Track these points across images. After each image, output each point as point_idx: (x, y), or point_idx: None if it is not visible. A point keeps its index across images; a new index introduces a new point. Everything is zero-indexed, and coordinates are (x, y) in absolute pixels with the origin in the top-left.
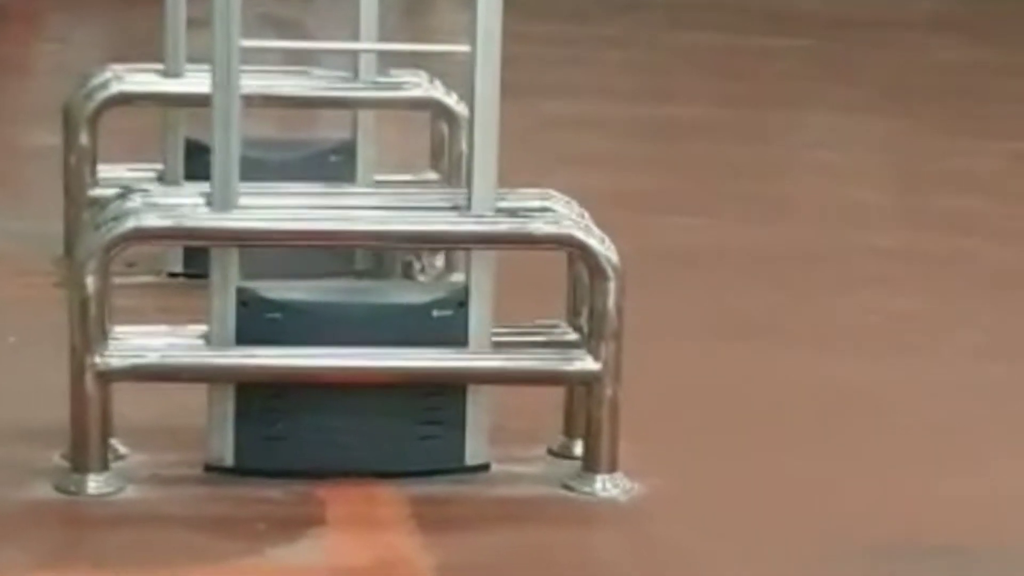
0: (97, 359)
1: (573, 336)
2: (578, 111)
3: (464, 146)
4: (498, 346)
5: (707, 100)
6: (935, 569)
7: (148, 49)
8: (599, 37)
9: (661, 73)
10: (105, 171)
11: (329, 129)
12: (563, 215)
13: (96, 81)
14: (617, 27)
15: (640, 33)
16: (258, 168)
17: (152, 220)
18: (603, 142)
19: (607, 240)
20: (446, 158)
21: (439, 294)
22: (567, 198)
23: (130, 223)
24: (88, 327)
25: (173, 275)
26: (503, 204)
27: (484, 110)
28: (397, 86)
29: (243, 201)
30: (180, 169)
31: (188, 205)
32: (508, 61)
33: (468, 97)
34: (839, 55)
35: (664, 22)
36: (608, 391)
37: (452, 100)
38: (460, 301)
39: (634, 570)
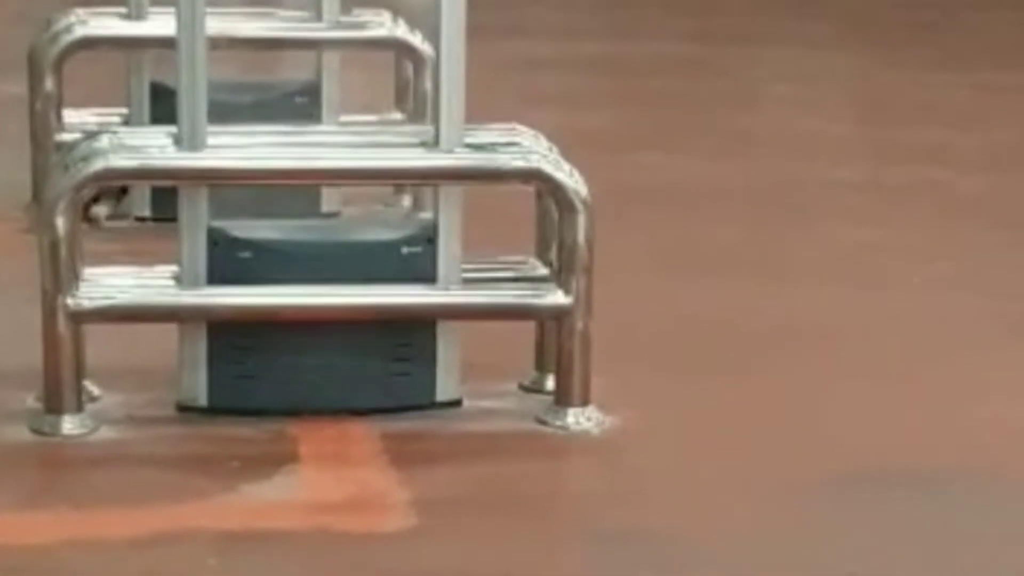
0: (69, 300)
1: (543, 271)
2: (539, 50)
3: (429, 85)
4: (468, 282)
5: (670, 36)
6: (903, 498)
7: None
8: None
9: (623, 9)
10: (71, 116)
11: (293, 70)
12: (531, 149)
13: (59, 26)
14: None
15: None
16: (224, 110)
17: (121, 160)
18: (564, 80)
19: (576, 173)
20: (411, 98)
21: (408, 231)
22: (534, 132)
23: (99, 163)
24: (59, 268)
25: (141, 219)
26: (470, 140)
27: (450, 46)
28: (361, 25)
29: (211, 141)
30: (146, 113)
31: (157, 146)
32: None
33: (432, 35)
34: None
35: None
36: (579, 325)
37: (416, 39)
38: (429, 238)
39: (609, 501)
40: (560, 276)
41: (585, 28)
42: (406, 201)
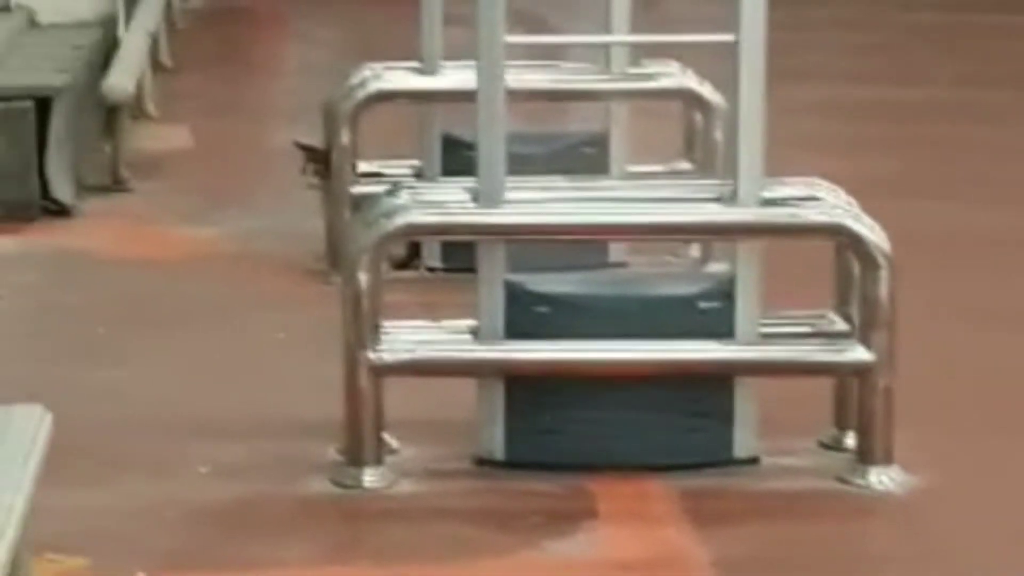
0: (370, 354)
1: (841, 326)
2: (815, 95)
3: (719, 135)
4: (766, 337)
5: (945, 82)
6: None
7: (388, 47)
8: (834, 20)
9: (896, 54)
10: (363, 168)
11: (575, 121)
12: (832, 204)
13: (355, 80)
14: (852, 9)
15: (874, 14)
16: (515, 161)
17: (422, 216)
18: (840, 126)
19: (878, 228)
20: (699, 148)
21: (706, 285)
22: (833, 186)
23: (401, 219)
24: (361, 322)
25: (431, 270)
26: (769, 194)
27: (749, 99)
28: (649, 76)
29: (508, 196)
30: (437, 164)
31: (456, 201)
32: None
33: (729, 86)
34: None
35: (897, 2)
36: (882, 381)
37: (706, 90)
38: (727, 292)
39: (912, 566)
40: (862, 331)
41: (861, 72)
42: (694, 252)
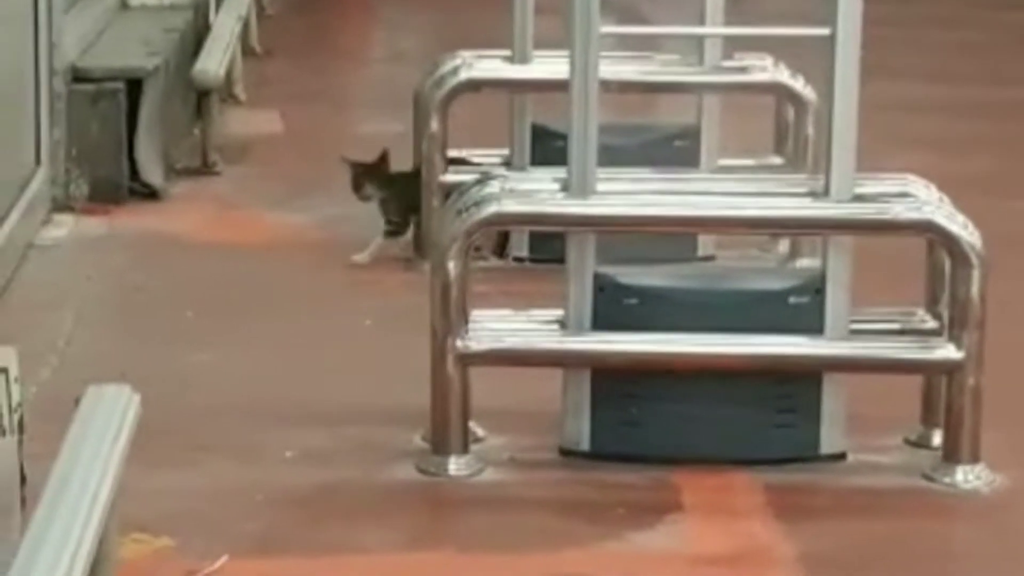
0: (458, 343)
1: (931, 324)
2: (908, 91)
3: (811, 130)
4: (855, 334)
5: None
6: None
7: (478, 35)
8: (928, 17)
9: (991, 52)
10: (452, 156)
11: (665, 114)
12: (924, 201)
13: (446, 68)
14: (947, 7)
15: (969, 12)
16: (606, 153)
17: (512, 206)
18: (933, 123)
19: (970, 226)
20: (791, 142)
21: (796, 281)
22: (926, 183)
23: (491, 208)
24: (450, 311)
25: (518, 260)
26: (861, 189)
27: (844, 94)
28: (742, 70)
29: (599, 187)
30: (527, 154)
31: (546, 191)
32: None
33: (822, 81)
34: None
35: (993, 1)
36: (971, 380)
37: (799, 84)
38: (816, 288)
39: (997, 565)
40: (952, 330)
41: (956, 70)
42: (782, 247)
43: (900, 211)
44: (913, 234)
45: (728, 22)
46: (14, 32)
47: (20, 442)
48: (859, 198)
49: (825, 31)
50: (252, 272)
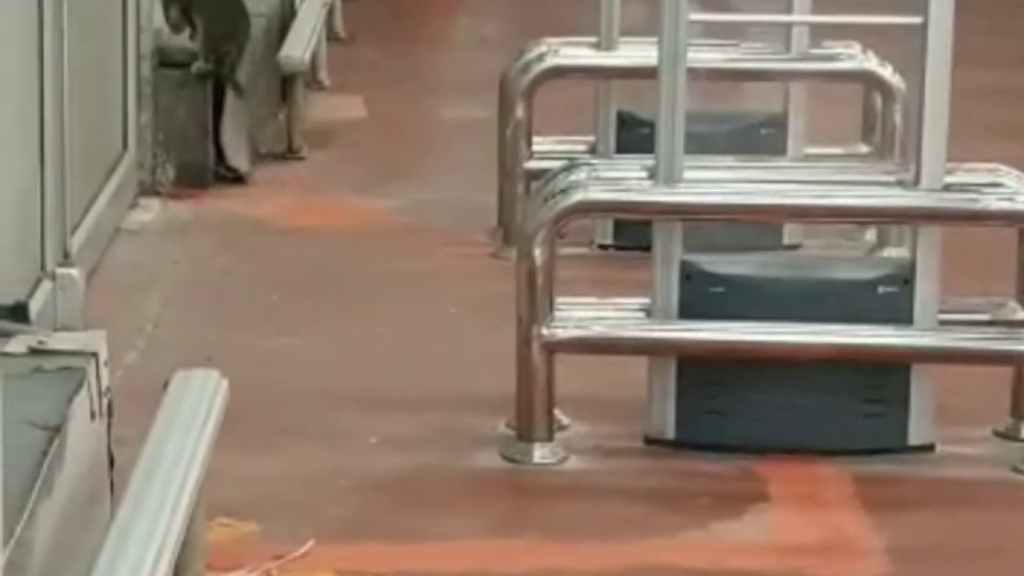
0: (544, 330)
1: (1022, 315)
2: (996, 79)
3: (898, 119)
4: (944, 324)
5: None
6: None
7: (563, 22)
8: (1016, 3)
9: None
10: (537, 143)
11: (751, 102)
12: (1015, 190)
13: (531, 55)
14: None
15: None
16: (693, 140)
17: (599, 193)
18: (1022, 112)
19: None
20: (879, 131)
21: (885, 270)
22: (1017, 172)
23: (578, 196)
24: (535, 298)
25: (603, 247)
26: (951, 179)
27: (935, 83)
28: (830, 58)
29: (686, 175)
30: (612, 142)
31: (633, 178)
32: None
33: (915, 70)
34: None
35: None
36: None
37: (887, 72)
38: (905, 278)
39: None
40: None
41: None
42: (869, 236)
43: (992, 201)
44: (1005, 224)
45: (816, 10)
46: (102, 16)
47: (109, 426)
48: (949, 187)
49: (917, 19)
50: (337, 257)
